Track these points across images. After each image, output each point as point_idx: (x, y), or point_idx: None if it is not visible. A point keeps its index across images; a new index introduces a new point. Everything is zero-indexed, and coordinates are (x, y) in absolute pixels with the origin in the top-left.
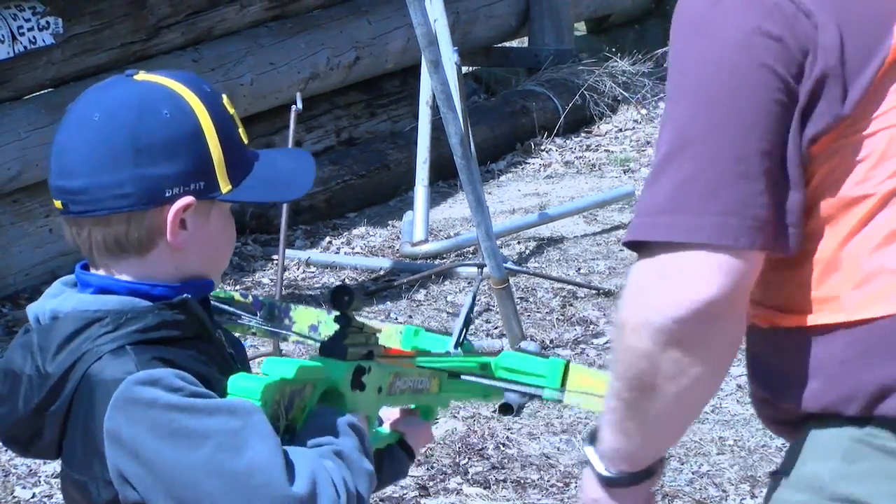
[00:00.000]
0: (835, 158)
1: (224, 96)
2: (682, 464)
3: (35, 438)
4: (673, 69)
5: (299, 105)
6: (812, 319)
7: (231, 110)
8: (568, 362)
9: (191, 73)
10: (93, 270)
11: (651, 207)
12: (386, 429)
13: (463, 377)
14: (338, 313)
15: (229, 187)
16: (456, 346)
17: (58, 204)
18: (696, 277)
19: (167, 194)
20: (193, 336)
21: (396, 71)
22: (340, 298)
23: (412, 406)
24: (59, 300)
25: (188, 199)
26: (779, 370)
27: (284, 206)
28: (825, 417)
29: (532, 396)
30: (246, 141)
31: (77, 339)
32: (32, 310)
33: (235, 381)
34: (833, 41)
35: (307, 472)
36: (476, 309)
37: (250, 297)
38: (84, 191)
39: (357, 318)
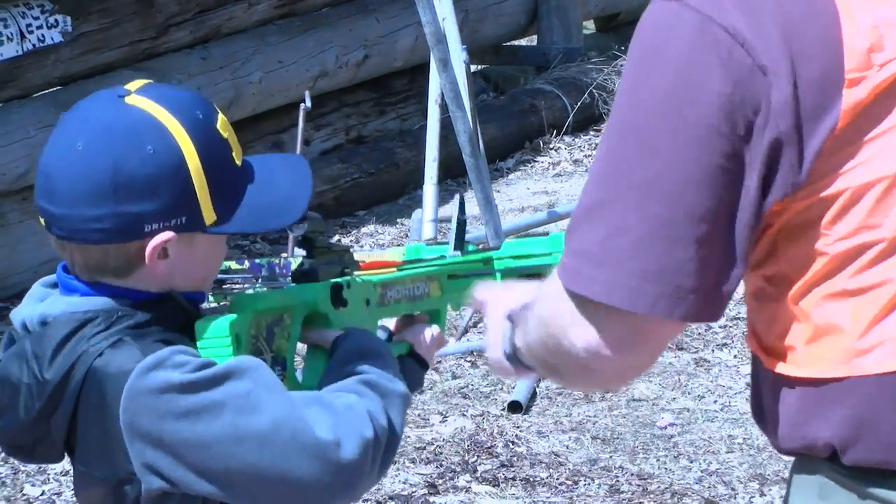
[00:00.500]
0: (792, 214)
1: (220, 117)
2: (692, 462)
3: (39, 445)
4: (622, 97)
5: (308, 103)
6: (776, 364)
7: (225, 134)
8: None
9: (187, 93)
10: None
11: (580, 251)
12: (395, 340)
13: (464, 275)
14: (300, 239)
15: (214, 219)
16: (455, 250)
17: (42, 221)
18: (601, 336)
19: (146, 230)
20: (184, 328)
21: (405, 69)
22: (297, 222)
23: (416, 312)
24: (47, 304)
25: (168, 234)
26: (762, 402)
27: None
28: (801, 454)
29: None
30: (240, 162)
31: (71, 342)
32: (18, 315)
33: (202, 324)
34: (787, 101)
35: (325, 418)
36: None
37: (247, 263)
38: (64, 219)
39: (321, 241)
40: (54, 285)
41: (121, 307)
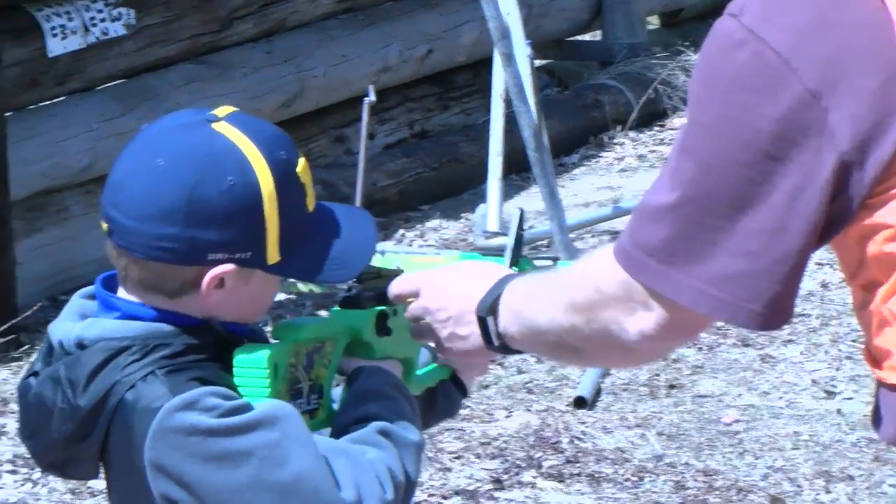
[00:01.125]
0: (867, 220)
1: (301, 161)
2: (757, 459)
3: (70, 464)
4: (689, 108)
5: (372, 97)
6: (877, 370)
7: (304, 179)
8: None
9: (274, 130)
10: (121, 289)
11: (648, 244)
12: (438, 363)
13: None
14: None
15: (277, 259)
16: (511, 265)
17: (103, 225)
18: (657, 323)
19: (209, 258)
20: (221, 357)
21: (468, 64)
22: None
23: None
24: (85, 327)
25: (230, 266)
26: (876, 406)
27: (358, 196)
28: None
29: None
30: (312, 207)
31: (106, 370)
32: (56, 331)
33: (241, 353)
34: (844, 120)
35: (351, 474)
36: None
37: None
38: (129, 231)
39: (371, 266)
40: (93, 297)
41: (157, 335)
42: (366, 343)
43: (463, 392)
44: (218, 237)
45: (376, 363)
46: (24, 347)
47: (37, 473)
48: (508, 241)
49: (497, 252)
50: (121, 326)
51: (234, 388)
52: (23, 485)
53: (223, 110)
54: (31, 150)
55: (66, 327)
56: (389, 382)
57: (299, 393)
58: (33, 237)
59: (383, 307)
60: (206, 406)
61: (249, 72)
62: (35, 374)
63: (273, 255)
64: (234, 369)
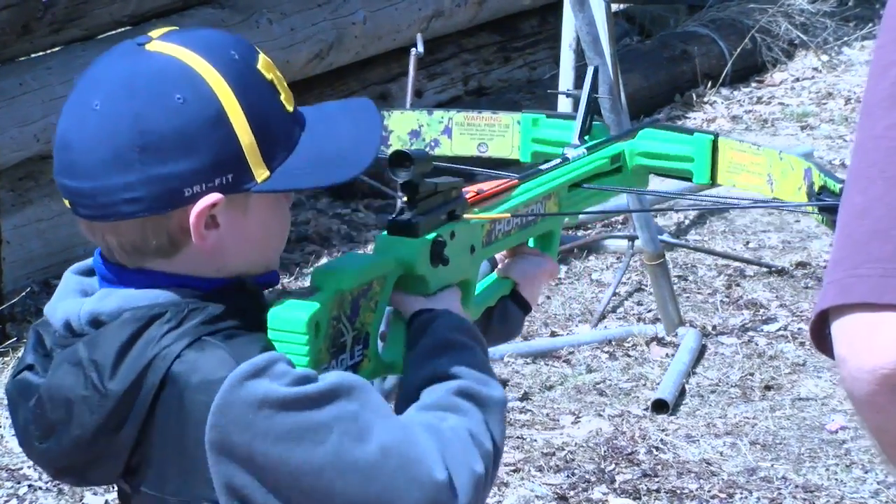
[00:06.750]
0: None
1: (261, 57)
2: (866, 472)
3: (93, 465)
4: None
5: (420, 48)
6: None
7: (269, 76)
8: (716, 136)
9: (217, 33)
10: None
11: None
12: (497, 275)
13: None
14: (402, 182)
15: (266, 174)
16: (581, 137)
17: (66, 203)
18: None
19: (186, 194)
20: (258, 324)
21: (534, 8)
22: (400, 165)
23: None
24: (97, 300)
25: (213, 196)
26: None
27: None
28: None
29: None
30: (291, 108)
31: (138, 345)
32: (57, 312)
33: (277, 313)
34: None
35: (436, 447)
36: (626, 289)
37: None
38: (89, 194)
39: (426, 181)
40: (91, 272)
41: (190, 298)
42: (419, 276)
43: (525, 308)
44: (186, 167)
45: (437, 300)
46: (11, 340)
47: (23, 489)
48: (580, 105)
49: (568, 115)
50: (144, 295)
51: None
52: (7, 501)
53: (158, 31)
54: (21, 108)
55: (71, 305)
56: (458, 326)
57: (342, 348)
58: (23, 212)
59: (439, 232)
60: (277, 372)
61: (277, 18)
62: (30, 367)
63: (259, 170)
64: (269, 330)
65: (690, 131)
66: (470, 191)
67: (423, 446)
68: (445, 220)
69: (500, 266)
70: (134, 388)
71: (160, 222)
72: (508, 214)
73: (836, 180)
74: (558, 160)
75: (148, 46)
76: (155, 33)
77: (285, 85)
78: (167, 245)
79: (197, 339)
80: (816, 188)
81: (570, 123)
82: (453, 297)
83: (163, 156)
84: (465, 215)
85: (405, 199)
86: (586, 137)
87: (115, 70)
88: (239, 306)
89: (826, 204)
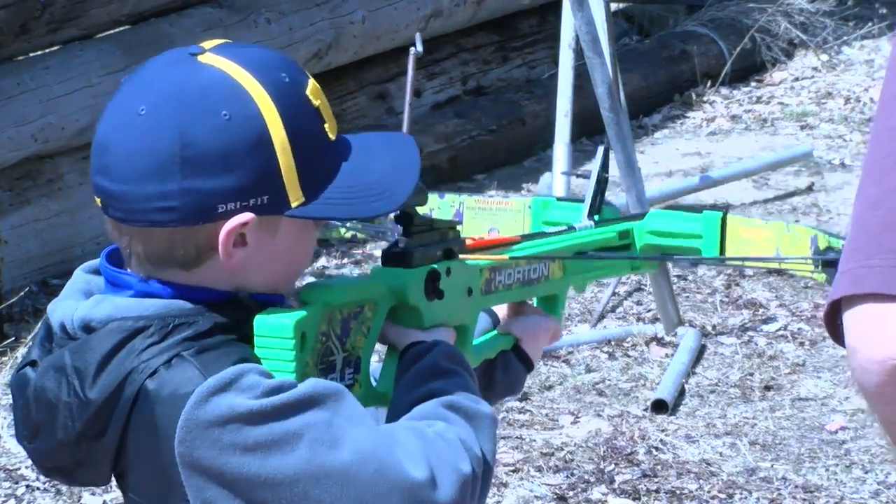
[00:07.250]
0: None
1: (311, 83)
2: (867, 473)
3: (80, 468)
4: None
5: (419, 48)
6: None
7: (317, 102)
8: (725, 213)
9: (272, 53)
10: (128, 269)
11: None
12: (498, 331)
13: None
14: (397, 214)
15: (301, 200)
16: (590, 216)
17: (97, 199)
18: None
19: (220, 210)
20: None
21: (533, 8)
22: None
23: (531, 301)
24: (90, 306)
25: (246, 216)
26: None
27: None
28: None
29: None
30: (333, 136)
31: (119, 355)
32: (57, 314)
33: (263, 320)
34: None
35: (418, 449)
36: (625, 289)
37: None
38: (123, 198)
39: (422, 214)
40: (97, 272)
41: (178, 313)
42: (412, 307)
43: (528, 365)
44: (224, 184)
45: (432, 335)
46: (9, 340)
47: (21, 489)
48: (589, 184)
49: (576, 199)
50: (135, 304)
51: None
52: (5, 501)
53: (211, 42)
54: (19, 108)
55: (68, 307)
56: (448, 354)
57: (332, 367)
58: (21, 212)
59: (434, 265)
60: (245, 385)
61: (276, 17)
62: (33, 363)
63: (295, 195)
64: (255, 337)
65: (699, 209)
66: (470, 237)
67: (404, 448)
68: (441, 256)
69: (501, 323)
70: (112, 398)
71: (189, 234)
72: (506, 257)
73: (839, 238)
74: (563, 227)
75: (200, 58)
76: (208, 44)
77: (330, 112)
78: (193, 257)
79: (175, 355)
80: (822, 250)
81: (580, 206)
82: (448, 336)
83: (203, 170)
84: (462, 255)
85: (401, 230)
86: (596, 217)
87: (164, 78)
88: (232, 321)
89: (828, 258)
